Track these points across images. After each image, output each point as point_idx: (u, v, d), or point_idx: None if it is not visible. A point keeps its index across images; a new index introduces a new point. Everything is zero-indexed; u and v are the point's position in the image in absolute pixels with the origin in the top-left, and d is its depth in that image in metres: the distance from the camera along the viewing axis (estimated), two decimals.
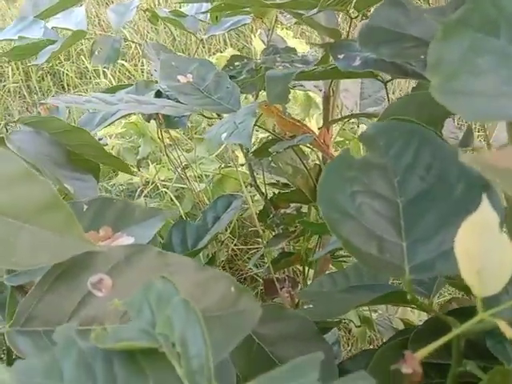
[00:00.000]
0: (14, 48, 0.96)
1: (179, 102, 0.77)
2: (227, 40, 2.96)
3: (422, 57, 0.43)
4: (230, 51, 2.07)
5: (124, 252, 0.35)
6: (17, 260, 0.32)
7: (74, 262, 0.34)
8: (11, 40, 1.03)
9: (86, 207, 0.41)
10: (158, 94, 0.85)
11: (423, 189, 0.36)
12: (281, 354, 0.52)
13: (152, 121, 1.85)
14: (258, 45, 1.69)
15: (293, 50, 0.96)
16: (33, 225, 0.32)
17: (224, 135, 0.63)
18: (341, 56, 0.47)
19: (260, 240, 1.77)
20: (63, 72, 2.87)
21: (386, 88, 0.68)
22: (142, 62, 2.75)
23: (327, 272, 0.94)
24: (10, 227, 0.32)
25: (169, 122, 0.91)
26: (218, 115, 0.93)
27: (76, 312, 0.34)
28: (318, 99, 2.03)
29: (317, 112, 1.92)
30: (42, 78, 2.92)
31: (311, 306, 0.62)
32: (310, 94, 2.02)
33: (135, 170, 1.96)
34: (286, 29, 2.47)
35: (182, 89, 0.78)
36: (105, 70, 2.63)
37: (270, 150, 0.74)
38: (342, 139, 1.64)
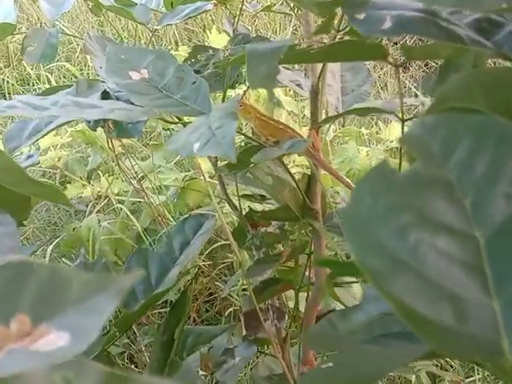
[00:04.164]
0: None
1: (132, 104, 0.60)
2: (178, 40, 2.80)
3: (504, 5, 0.28)
4: (184, 49, 1.90)
5: None
6: None
7: None
8: None
9: None
10: (105, 96, 0.68)
11: None
12: None
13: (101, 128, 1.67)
14: (216, 39, 1.53)
15: (266, 39, 0.81)
16: None
17: (196, 146, 0.46)
18: (361, 16, 0.31)
19: (229, 255, 1.60)
20: (3, 79, 2.66)
21: (398, 72, 0.52)
22: (89, 66, 2.55)
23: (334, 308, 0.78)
24: None
25: (120, 129, 0.74)
26: (180, 118, 0.77)
27: None
28: (283, 97, 1.88)
29: (283, 112, 1.77)
30: None
31: (330, 364, 0.45)
32: (274, 90, 1.88)
33: (85, 183, 1.77)
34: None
35: (135, 87, 0.61)
36: (47, 75, 2.43)
37: (252, 159, 0.58)
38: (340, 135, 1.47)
